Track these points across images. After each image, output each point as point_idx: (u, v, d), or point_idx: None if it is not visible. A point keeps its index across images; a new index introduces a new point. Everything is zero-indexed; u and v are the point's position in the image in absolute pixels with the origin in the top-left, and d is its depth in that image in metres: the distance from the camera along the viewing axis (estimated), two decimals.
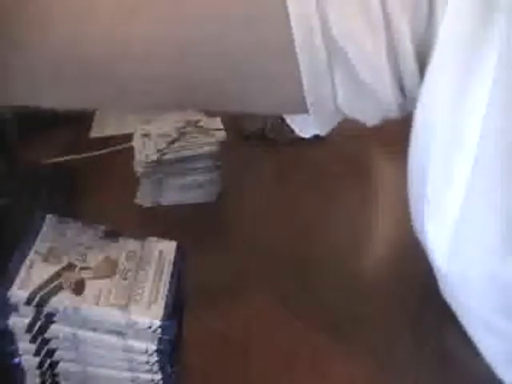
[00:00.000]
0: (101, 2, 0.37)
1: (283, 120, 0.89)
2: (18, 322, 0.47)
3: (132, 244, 0.52)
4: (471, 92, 0.33)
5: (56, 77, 0.39)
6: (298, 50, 0.35)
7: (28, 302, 0.46)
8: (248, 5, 0.36)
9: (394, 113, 0.38)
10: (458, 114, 0.33)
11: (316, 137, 0.53)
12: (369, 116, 0.40)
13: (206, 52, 0.37)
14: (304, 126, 0.44)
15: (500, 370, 0.40)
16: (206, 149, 0.76)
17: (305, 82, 0.37)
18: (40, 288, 0.46)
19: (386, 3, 0.33)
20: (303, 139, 0.83)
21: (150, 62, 0.38)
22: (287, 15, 0.34)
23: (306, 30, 0.34)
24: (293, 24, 0.34)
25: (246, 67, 0.38)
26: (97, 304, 0.46)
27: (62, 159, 0.83)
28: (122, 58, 0.38)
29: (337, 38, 0.34)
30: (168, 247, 0.53)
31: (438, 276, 0.38)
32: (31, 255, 0.49)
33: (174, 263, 0.52)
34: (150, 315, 0.46)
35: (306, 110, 0.39)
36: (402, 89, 0.36)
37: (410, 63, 0.35)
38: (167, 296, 0.48)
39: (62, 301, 0.46)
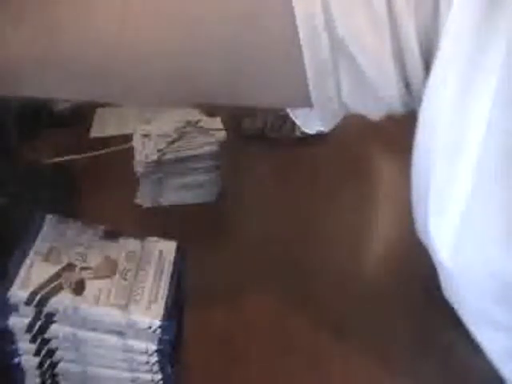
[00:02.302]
0: (106, 5, 0.38)
1: (283, 120, 0.90)
2: (18, 322, 0.47)
3: (132, 244, 0.52)
4: (476, 89, 0.33)
5: (64, 74, 0.40)
6: (302, 47, 0.35)
7: (28, 302, 0.46)
8: (254, 4, 0.36)
9: (398, 109, 0.39)
10: (463, 111, 0.33)
11: (318, 135, 0.53)
12: (373, 111, 0.40)
13: (212, 50, 0.38)
14: (308, 122, 0.44)
15: (502, 365, 0.40)
16: (206, 149, 0.76)
17: (309, 78, 0.37)
18: (40, 288, 0.46)
19: (390, 0, 0.33)
20: (303, 139, 0.83)
21: (156, 62, 0.38)
22: (292, 13, 0.34)
23: (310, 29, 0.35)
24: (298, 22, 0.35)
25: (251, 64, 0.38)
26: (97, 304, 0.46)
27: (62, 159, 0.83)
28: (130, 57, 0.38)
29: (341, 36, 0.34)
30: (168, 247, 0.53)
31: (441, 273, 0.38)
32: (31, 255, 0.49)
33: (174, 263, 0.52)
34: (149, 315, 0.46)
35: (310, 105, 0.39)
36: (407, 85, 0.36)
37: (415, 59, 0.35)
38: (167, 296, 0.48)
39: (61, 301, 0.46)
